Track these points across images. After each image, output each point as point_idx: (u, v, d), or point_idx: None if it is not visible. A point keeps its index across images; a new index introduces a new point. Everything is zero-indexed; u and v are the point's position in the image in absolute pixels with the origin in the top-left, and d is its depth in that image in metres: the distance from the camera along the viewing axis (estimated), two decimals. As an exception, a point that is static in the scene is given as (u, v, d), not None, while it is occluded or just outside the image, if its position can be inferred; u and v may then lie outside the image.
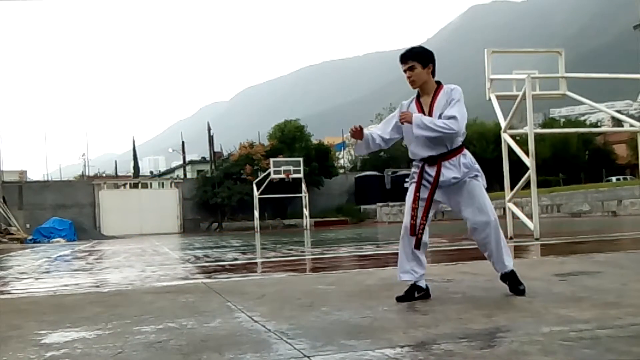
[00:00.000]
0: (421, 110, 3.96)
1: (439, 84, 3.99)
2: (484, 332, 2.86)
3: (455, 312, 3.40)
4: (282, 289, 4.91)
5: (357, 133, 4.04)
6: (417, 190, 3.94)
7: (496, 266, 4.03)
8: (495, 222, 3.92)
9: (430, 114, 3.90)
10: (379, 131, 4.18)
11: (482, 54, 11.02)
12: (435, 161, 3.90)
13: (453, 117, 3.80)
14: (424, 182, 3.94)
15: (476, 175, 3.96)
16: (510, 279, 4.01)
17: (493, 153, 32.78)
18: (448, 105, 3.87)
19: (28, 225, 28.46)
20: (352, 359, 2.50)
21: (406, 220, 4.01)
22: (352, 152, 53.44)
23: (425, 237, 4.02)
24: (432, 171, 3.91)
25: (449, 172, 3.88)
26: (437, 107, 3.90)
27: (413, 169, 4.07)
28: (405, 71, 3.97)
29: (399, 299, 3.89)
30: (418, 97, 4.03)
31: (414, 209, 3.94)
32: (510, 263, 4.01)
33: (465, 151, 3.99)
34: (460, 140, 3.96)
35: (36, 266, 9.91)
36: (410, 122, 3.85)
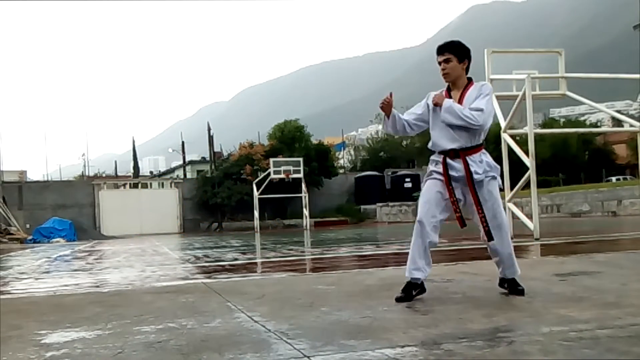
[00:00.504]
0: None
1: (469, 81, 3.99)
2: (484, 332, 2.87)
3: (455, 312, 3.40)
4: (282, 289, 4.91)
5: (387, 106, 3.98)
6: (449, 183, 3.86)
7: (506, 272, 4.01)
8: (507, 226, 3.93)
9: None
10: (407, 116, 4.14)
11: (482, 54, 11.01)
12: (457, 155, 3.87)
13: (480, 110, 3.81)
14: (451, 176, 3.87)
15: (494, 177, 3.93)
16: (511, 282, 4.02)
17: (493, 153, 32.61)
18: (477, 98, 3.88)
19: (28, 226, 28.45)
20: (352, 359, 2.50)
21: (421, 215, 3.92)
22: (352, 152, 53.52)
23: (435, 238, 3.95)
24: (456, 164, 3.87)
25: (471, 169, 3.85)
26: (466, 102, 3.89)
27: (430, 165, 4.03)
28: (440, 63, 3.95)
29: (399, 300, 3.88)
30: (448, 89, 4.01)
31: (455, 203, 3.85)
32: (518, 269, 4.02)
33: (484, 150, 3.98)
34: (482, 137, 3.95)
35: (36, 266, 9.91)
36: (440, 105, 3.86)
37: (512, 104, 10.37)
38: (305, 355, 2.57)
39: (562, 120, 64.52)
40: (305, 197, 28.95)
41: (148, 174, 66.30)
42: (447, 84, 4.03)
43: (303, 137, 35.49)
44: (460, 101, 3.90)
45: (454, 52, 3.93)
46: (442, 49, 3.96)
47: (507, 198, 10.59)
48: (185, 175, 45.48)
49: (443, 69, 3.94)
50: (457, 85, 3.97)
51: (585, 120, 64.93)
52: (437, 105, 3.90)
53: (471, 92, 3.92)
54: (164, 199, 34.06)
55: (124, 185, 36.25)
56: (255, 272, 7.48)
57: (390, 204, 31.72)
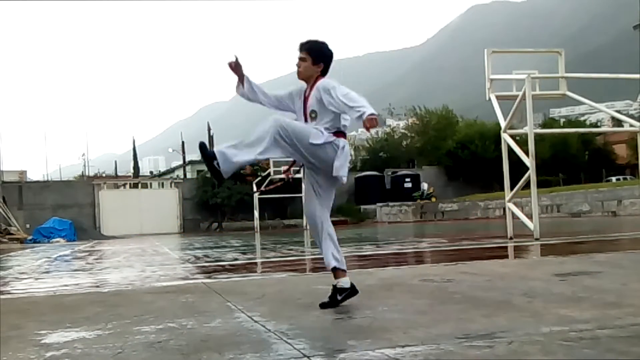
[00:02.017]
0: (304, 105, 3.84)
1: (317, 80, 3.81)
2: (484, 332, 2.86)
3: (455, 312, 3.40)
4: (282, 289, 4.91)
5: (236, 67, 3.87)
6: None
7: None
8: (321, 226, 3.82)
9: (305, 111, 3.80)
10: (269, 91, 4.03)
11: (482, 54, 11.01)
12: None
13: (348, 92, 3.60)
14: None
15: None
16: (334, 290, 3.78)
17: (493, 153, 32.81)
18: (325, 97, 3.64)
19: (28, 225, 28.45)
20: (352, 359, 2.50)
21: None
22: (352, 152, 53.52)
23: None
24: None
25: None
26: (310, 104, 3.77)
27: None
28: (298, 58, 3.83)
29: (324, 306, 3.70)
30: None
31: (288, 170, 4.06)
32: (332, 261, 3.77)
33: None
34: (338, 125, 3.75)
35: (36, 266, 9.91)
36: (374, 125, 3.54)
37: (512, 104, 10.37)
38: (305, 355, 2.57)
39: (562, 120, 64.52)
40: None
41: (148, 174, 66.32)
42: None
43: (303, 137, 35.48)
44: (305, 103, 3.80)
45: (309, 51, 3.81)
46: (301, 46, 3.85)
47: (507, 198, 10.60)
48: (185, 175, 45.45)
49: (297, 66, 3.84)
50: (310, 85, 3.85)
51: (585, 120, 64.96)
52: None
53: (314, 93, 3.76)
54: (164, 199, 34.07)
55: (124, 185, 36.26)
56: (255, 272, 7.48)
57: (390, 204, 31.73)
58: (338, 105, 3.60)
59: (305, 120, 3.81)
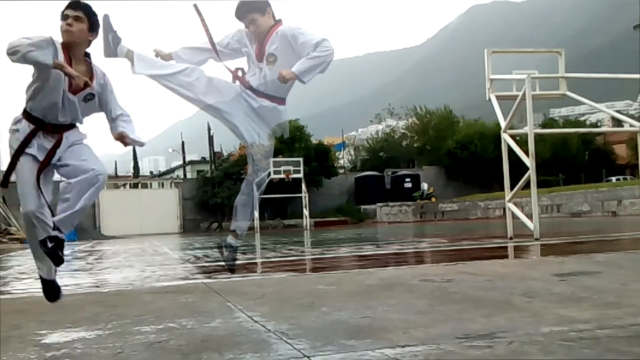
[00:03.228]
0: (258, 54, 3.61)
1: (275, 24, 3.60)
2: (484, 332, 2.86)
3: (455, 312, 3.40)
4: (282, 289, 4.91)
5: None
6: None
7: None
8: None
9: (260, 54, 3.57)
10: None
11: (482, 54, 11.01)
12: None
13: (321, 40, 3.47)
14: None
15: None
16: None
17: (493, 153, 32.82)
18: (296, 41, 3.48)
19: (28, 226, 28.43)
20: (352, 359, 2.50)
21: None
22: (352, 152, 53.54)
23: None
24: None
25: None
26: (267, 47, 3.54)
27: None
28: (247, 27, 3.58)
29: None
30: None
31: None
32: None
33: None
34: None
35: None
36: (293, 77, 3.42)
37: (512, 104, 10.36)
38: (305, 355, 2.57)
39: (562, 120, 64.54)
40: (305, 197, 28.95)
41: (148, 174, 66.32)
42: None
43: (303, 137, 35.49)
44: (262, 51, 3.58)
45: (255, 9, 3.58)
46: (241, 13, 3.62)
47: (507, 198, 10.59)
48: (185, 175, 45.47)
49: (253, 31, 3.60)
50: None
51: (585, 120, 64.97)
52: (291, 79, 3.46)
53: (272, 40, 3.53)
54: (164, 199, 34.06)
55: (124, 185, 36.27)
56: (255, 272, 7.48)
57: (390, 204, 31.71)
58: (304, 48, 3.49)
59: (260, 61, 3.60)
